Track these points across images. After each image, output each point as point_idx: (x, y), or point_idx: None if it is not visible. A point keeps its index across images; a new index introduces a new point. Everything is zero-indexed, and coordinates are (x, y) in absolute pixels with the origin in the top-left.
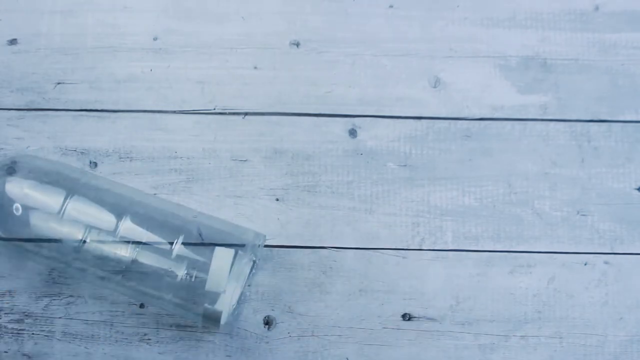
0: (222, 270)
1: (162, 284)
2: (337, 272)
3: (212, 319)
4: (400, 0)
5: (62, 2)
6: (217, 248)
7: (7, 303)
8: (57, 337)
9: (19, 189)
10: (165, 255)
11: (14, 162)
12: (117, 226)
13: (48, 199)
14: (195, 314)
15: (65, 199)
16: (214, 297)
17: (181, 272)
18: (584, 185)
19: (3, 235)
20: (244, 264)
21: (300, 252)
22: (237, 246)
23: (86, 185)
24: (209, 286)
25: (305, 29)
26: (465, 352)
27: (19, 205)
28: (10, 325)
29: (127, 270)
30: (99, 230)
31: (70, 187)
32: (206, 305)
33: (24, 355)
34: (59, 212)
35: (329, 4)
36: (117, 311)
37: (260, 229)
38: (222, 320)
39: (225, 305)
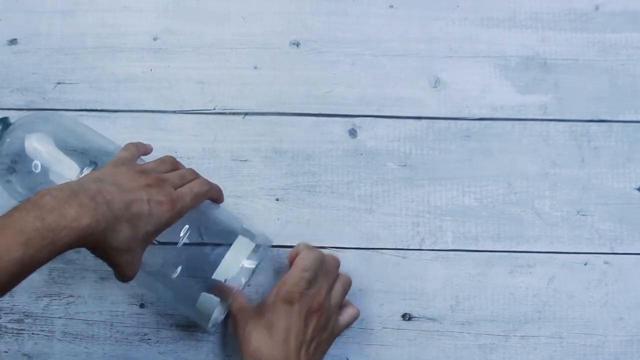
0: (236, 261)
1: (167, 266)
2: None
3: (205, 311)
4: (400, 0)
5: (62, 2)
6: (240, 237)
7: (7, 303)
8: (57, 337)
9: (41, 146)
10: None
11: (14, 162)
12: None
13: (65, 164)
14: (191, 301)
15: (82, 169)
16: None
17: (181, 263)
18: (584, 185)
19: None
20: (251, 269)
21: None
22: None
23: (109, 157)
24: (217, 274)
25: (305, 29)
26: (465, 352)
27: (39, 163)
28: (10, 325)
29: None
30: None
31: (92, 155)
32: (204, 293)
33: (24, 355)
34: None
35: (329, 4)
36: (117, 311)
37: (260, 229)
38: (214, 315)
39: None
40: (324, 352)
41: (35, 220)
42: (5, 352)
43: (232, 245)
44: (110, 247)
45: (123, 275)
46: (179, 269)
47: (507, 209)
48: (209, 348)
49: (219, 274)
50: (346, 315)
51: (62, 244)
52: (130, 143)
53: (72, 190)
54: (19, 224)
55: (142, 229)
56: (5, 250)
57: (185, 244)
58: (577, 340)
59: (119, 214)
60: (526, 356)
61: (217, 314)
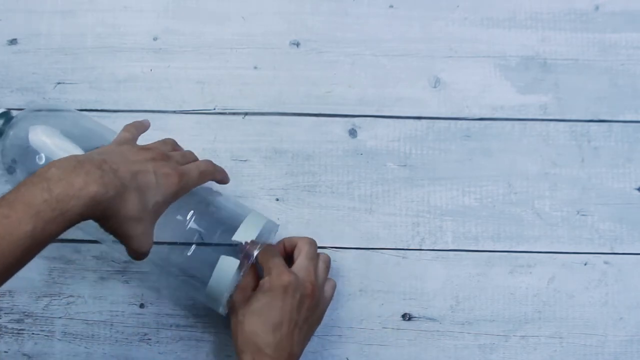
0: (257, 222)
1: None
2: (337, 272)
3: (224, 275)
4: (400, 0)
5: (62, 2)
6: (253, 212)
7: (7, 303)
8: (57, 337)
9: (45, 138)
10: (181, 224)
11: (18, 155)
12: None
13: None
14: (207, 272)
15: None
16: (233, 253)
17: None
18: (584, 185)
19: None
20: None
21: None
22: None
23: None
24: (238, 235)
25: (305, 29)
26: (465, 352)
27: (43, 155)
28: (10, 325)
29: None
30: None
31: (95, 147)
32: (223, 255)
33: (24, 355)
34: None
35: (329, 4)
36: (117, 311)
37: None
38: (232, 279)
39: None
40: (315, 329)
41: (43, 192)
42: (5, 352)
43: (248, 216)
44: (121, 217)
45: (138, 248)
46: (195, 239)
47: (507, 209)
48: (209, 348)
49: (240, 236)
50: (328, 289)
51: (72, 214)
52: (129, 124)
53: (78, 160)
54: (27, 197)
55: (152, 200)
56: (16, 224)
57: (191, 227)
58: (577, 340)
59: (126, 183)
60: (526, 356)
61: (236, 277)
